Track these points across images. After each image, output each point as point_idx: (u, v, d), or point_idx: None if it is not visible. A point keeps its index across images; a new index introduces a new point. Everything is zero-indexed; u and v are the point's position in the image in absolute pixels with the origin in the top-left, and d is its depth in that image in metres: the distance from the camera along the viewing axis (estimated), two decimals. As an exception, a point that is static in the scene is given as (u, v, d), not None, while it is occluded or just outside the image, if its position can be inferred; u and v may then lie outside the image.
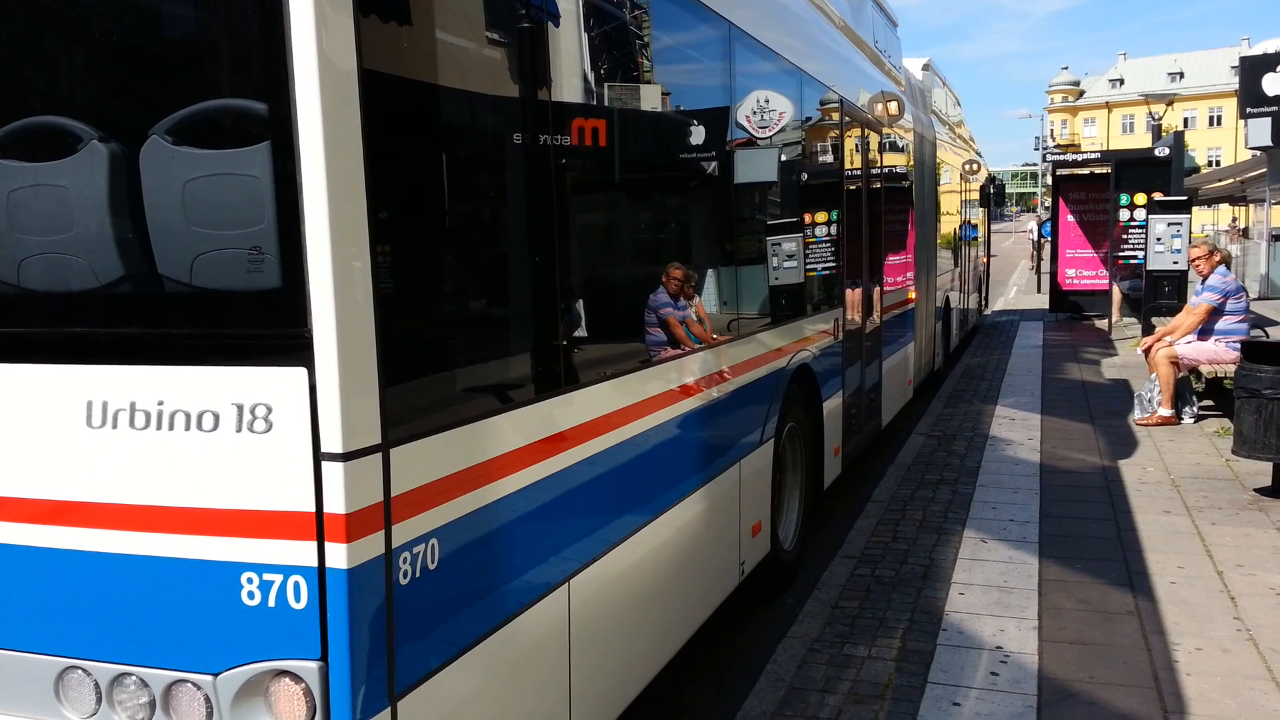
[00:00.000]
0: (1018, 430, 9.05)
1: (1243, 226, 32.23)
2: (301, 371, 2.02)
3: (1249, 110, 14.92)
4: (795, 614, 4.93)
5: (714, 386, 4.21)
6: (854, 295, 6.98)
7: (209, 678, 2.15)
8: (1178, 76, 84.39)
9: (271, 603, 2.08)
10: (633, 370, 3.48)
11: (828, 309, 6.26)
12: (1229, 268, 9.23)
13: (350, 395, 2.03)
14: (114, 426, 2.15)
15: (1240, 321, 8.77)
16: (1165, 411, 8.96)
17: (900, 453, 8.29)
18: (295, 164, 1.97)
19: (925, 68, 11.91)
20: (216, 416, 2.08)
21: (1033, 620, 4.71)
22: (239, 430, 2.07)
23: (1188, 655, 4.31)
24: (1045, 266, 23.21)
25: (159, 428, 2.12)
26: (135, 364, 2.15)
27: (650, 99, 3.85)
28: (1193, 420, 9.05)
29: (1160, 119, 23.80)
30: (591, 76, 3.29)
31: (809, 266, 5.86)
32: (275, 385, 2.04)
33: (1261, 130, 15.23)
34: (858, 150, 7.23)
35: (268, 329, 2.08)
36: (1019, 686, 4.05)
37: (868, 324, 7.49)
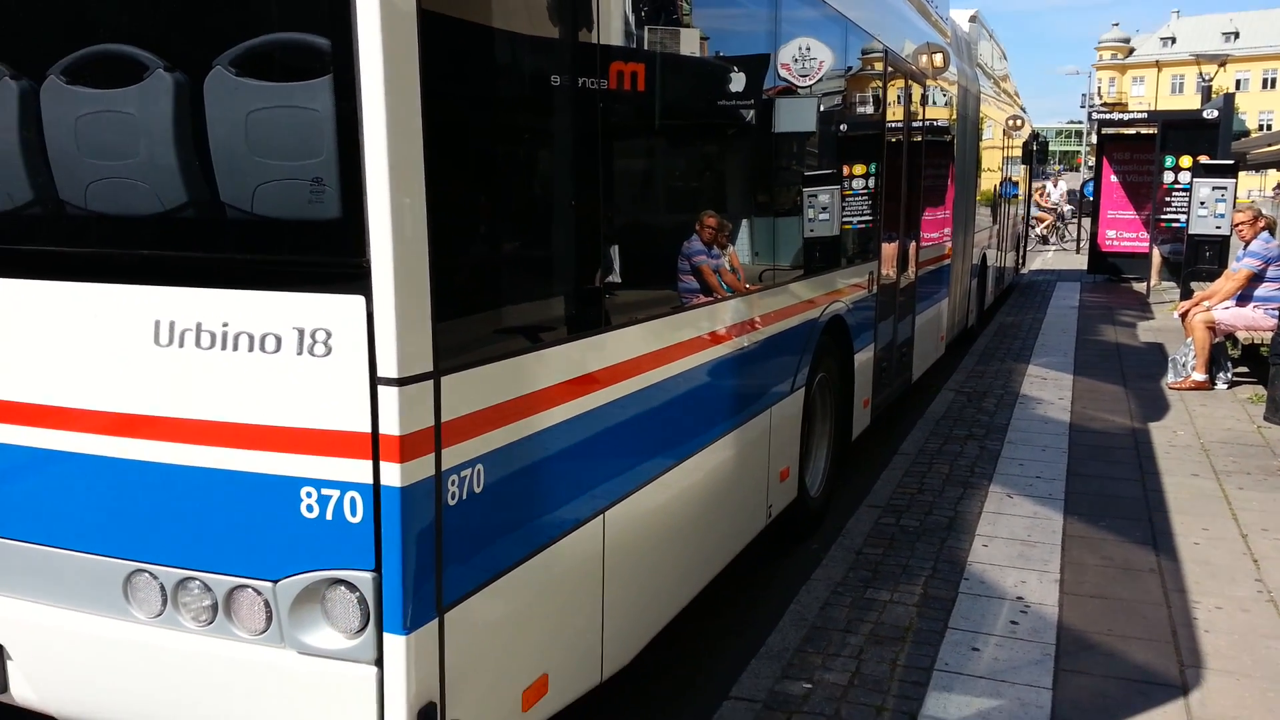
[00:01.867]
0: (1049, 390, 9.05)
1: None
2: (359, 299, 2.12)
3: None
4: (820, 559, 5.03)
5: (747, 334, 4.27)
6: (889, 249, 6.98)
7: (269, 584, 2.28)
8: (1232, 36, 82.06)
9: (329, 516, 2.20)
10: (668, 314, 3.55)
11: (862, 262, 6.28)
12: (1273, 234, 9.11)
13: (405, 323, 2.12)
14: (180, 345, 2.26)
15: (1280, 289, 8.69)
16: (1199, 376, 8.92)
17: (930, 407, 8.33)
18: (356, 100, 2.04)
19: (972, 19, 11.72)
20: (278, 339, 2.18)
21: (1054, 574, 4.78)
22: (299, 353, 2.17)
23: (1207, 613, 4.37)
24: (1084, 231, 22.91)
25: (223, 348, 2.23)
26: (201, 286, 2.26)
27: (690, 44, 3.87)
28: (1226, 386, 9.01)
29: (1211, 80, 23.24)
30: (634, 20, 3.32)
31: (845, 218, 5.88)
32: (334, 312, 2.14)
33: (1316, 94, 14.89)
34: (900, 102, 7.19)
35: (328, 257, 2.18)
36: (1038, 636, 4.14)
37: (902, 278, 7.49)
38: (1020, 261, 19.02)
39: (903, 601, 4.49)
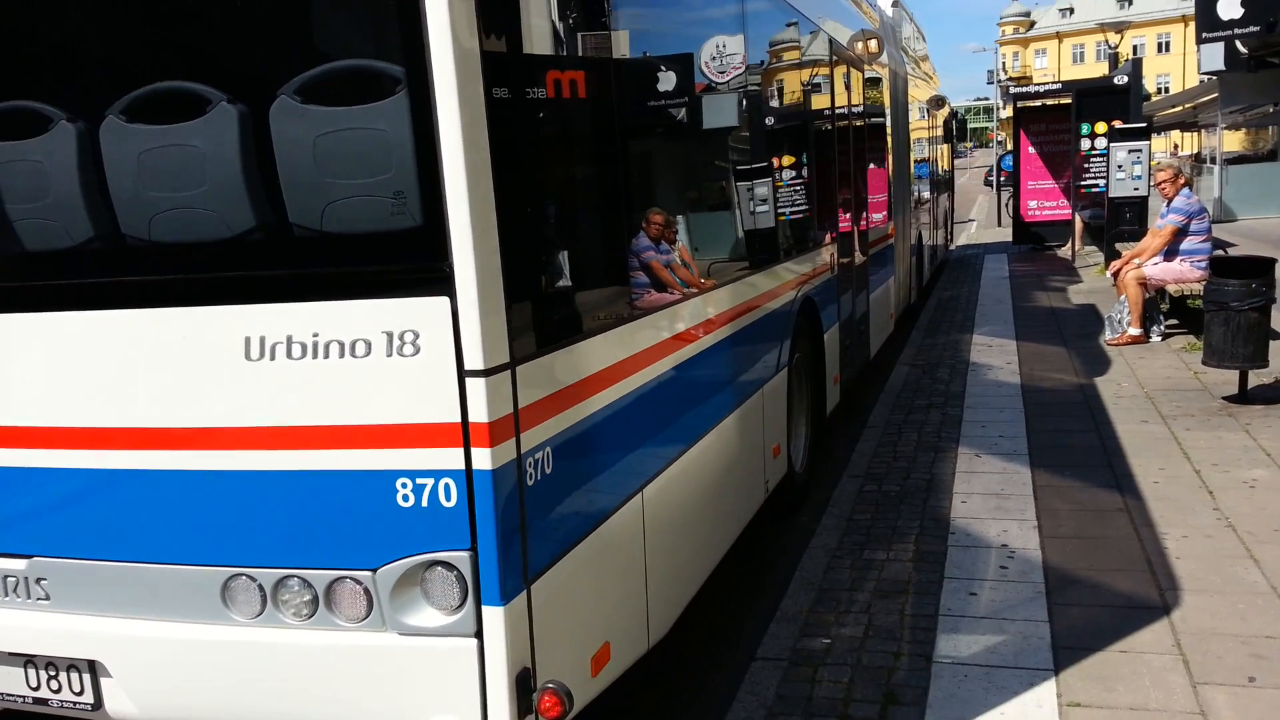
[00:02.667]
0: (996, 356, 9.49)
1: (1194, 153, 32.96)
2: (444, 300, 2.31)
3: (1205, 35, 15.32)
4: (813, 529, 5.32)
5: (746, 316, 4.55)
6: (845, 229, 7.31)
7: (368, 573, 2.46)
8: (1126, 3, 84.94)
9: (424, 503, 2.39)
10: (687, 301, 3.80)
11: (824, 244, 6.59)
12: (1192, 189, 9.67)
13: (486, 319, 2.33)
14: (272, 358, 2.44)
15: (1204, 241, 9.23)
16: (1135, 331, 9.44)
17: (889, 381, 8.71)
18: (433, 119, 2.24)
19: (894, 4, 12.15)
20: (368, 343, 2.37)
21: (1032, 521, 5.14)
22: (389, 355, 2.36)
23: (1175, 542, 4.76)
24: (1006, 200, 23.73)
25: (315, 357, 2.40)
26: (288, 302, 2.43)
27: (699, 55, 4.15)
28: (1160, 338, 9.55)
29: (1116, 47, 24.22)
30: (638, 35, 3.58)
31: (809, 204, 6.18)
32: (421, 313, 2.34)
33: (1214, 55, 15.69)
34: (844, 89, 7.52)
35: (412, 264, 2.36)
36: (1027, 576, 4.48)
37: (856, 259, 7.83)
38: (949, 237, 19.66)
39: (898, 558, 4.79)
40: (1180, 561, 4.53)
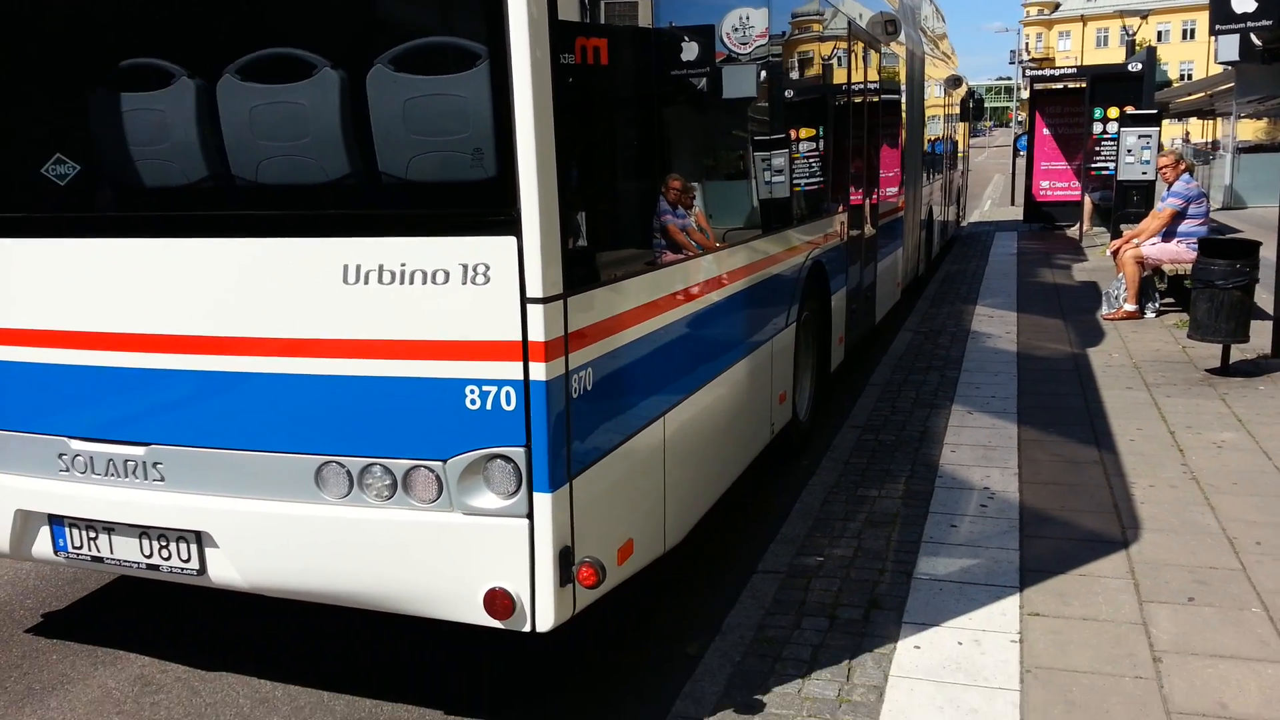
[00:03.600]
0: (996, 325, 9.96)
1: (1210, 140, 33.08)
2: (511, 239, 2.81)
3: (1218, 27, 15.58)
4: (813, 470, 5.83)
5: (760, 271, 5.04)
6: (856, 201, 7.77)
7: (439, 463, 2.98)
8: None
9: (489, 406, 2.90)
10: (707, 255, 4.30)
11: (835, 214, 7.05)
12: (1192, 175, 10.07)
13: (546, 256, 2.82)
14: (365, 283, 2.94)
15: (1201, 225, 9.65)
16: (1130, 307, 9.89)
17: (892, 345, 9.19)
18: (509, 91, 2.73)
19: (913, -14, 12.48)
20: (447, 273, 2.87)
21: (1013, 469, 5.64)
22: (464, 283, 2.86)
23: (1142, 490, 5.26)
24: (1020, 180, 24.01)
25: (401, 283, 2.91)
26: (382, 236, 2.93)
27: (744, 39, 4.64)
28: (1155, 315, 9.99)
29: (1135, 34, 24.41)
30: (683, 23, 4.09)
31: (823, 173, 6.64)
32: (492, 249, 2.83)
33: (1230, 46, 15.93)
34: (862, 67, 7.95)
35: (486, 209, 2.85)
36: (1004, 514, 4.99)
37: (866, 229, 8.29)
38: (960, 214, 20.03)
39: (889, 496, 5.31)
40: (1144, 506, 5.03)
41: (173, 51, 3.19)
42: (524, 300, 2.84)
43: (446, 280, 2.88)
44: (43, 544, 3.52)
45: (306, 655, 3.99)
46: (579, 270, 3.03)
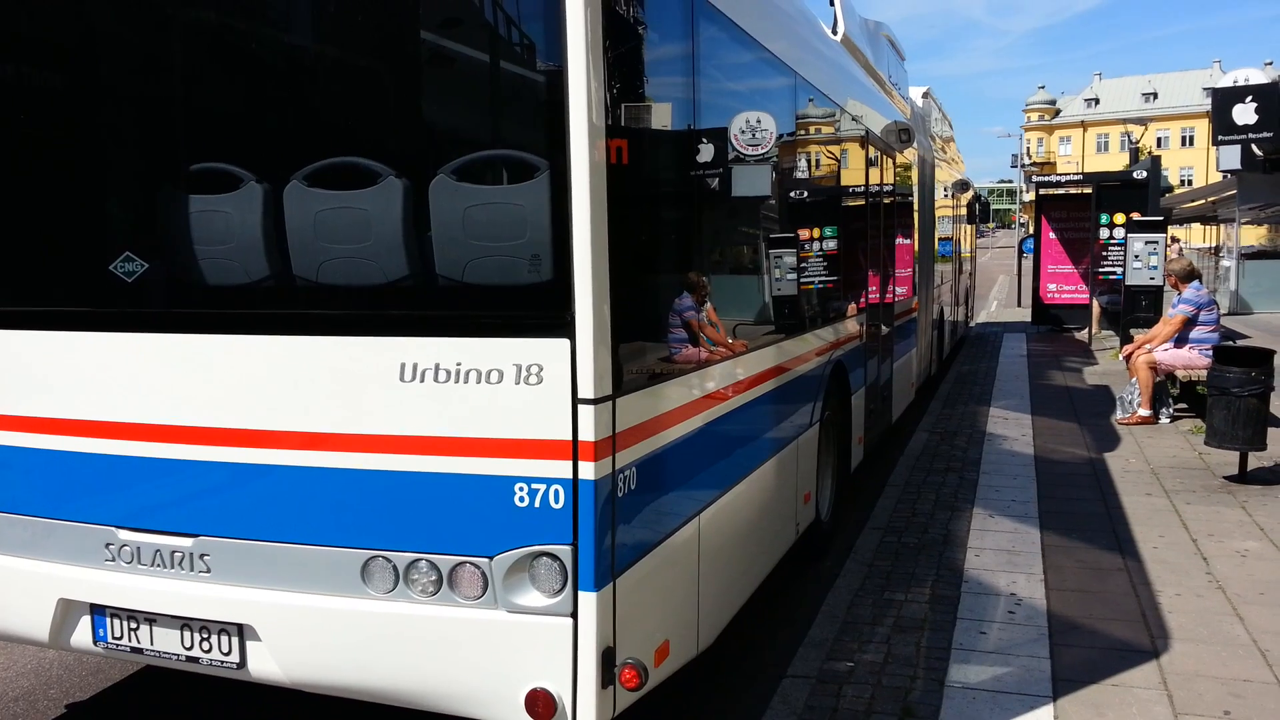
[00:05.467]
0: (1011, 428, 10.00)
1: (1213, 245, 33.58)
2: (565, 341, 2.90)
3: (1220, 138, 16.02)
4: (837, 572, 5.82)
5: (788, 373, 5.13)
6: (874, 303, 7.91)
7: (486, 560, 3.02)
8: (1151, 97, 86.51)
9: (537, 504, 2.95)
10: (744, 354, 4.39)
11: (855, 315, 7.18)
12: (1201, 283, 10.23)
13: (598, 358, 2.91)
14: (421, 381, 3.02)
15: (1212, 331, 9.77)
16: (1144, 412, 9.94)
17: (909, 446, 9.22)
18: (568, 203, 2.85)
19: (925, 95, 12.89)
20: (501, 373, 2.95)
21: (1039, 575, 5.62)
22: (518, 383, 2.94)
23: (1169, 599, 5.23)
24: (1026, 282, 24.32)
25: (456, 382, 2.99)
26: (438, 336, 3.02)
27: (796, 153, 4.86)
28: (1169, 420, 10.04)
29: (1138, 141, 25.00)
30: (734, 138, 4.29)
31: (845, 277, 6.79)
32: (546, 351, 2.92)
33: (1232, 155, 16.32)
34: (879, 175, 8.19)
35: (541, 312, 2.94)
36: (1032, 621, 4.96)
37: (883, 330, 8.42)
38: (970, 315, 20.25)
39: (915, 600, 5.29)
40: (1172, 615, 5.01)
41: (243, 158, 3.33)
42: (575, 400, 2.91)
43: (500, 380, 2.96)
44: (82, 634, 3.53)
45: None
46: (627, 373, 3.10)
